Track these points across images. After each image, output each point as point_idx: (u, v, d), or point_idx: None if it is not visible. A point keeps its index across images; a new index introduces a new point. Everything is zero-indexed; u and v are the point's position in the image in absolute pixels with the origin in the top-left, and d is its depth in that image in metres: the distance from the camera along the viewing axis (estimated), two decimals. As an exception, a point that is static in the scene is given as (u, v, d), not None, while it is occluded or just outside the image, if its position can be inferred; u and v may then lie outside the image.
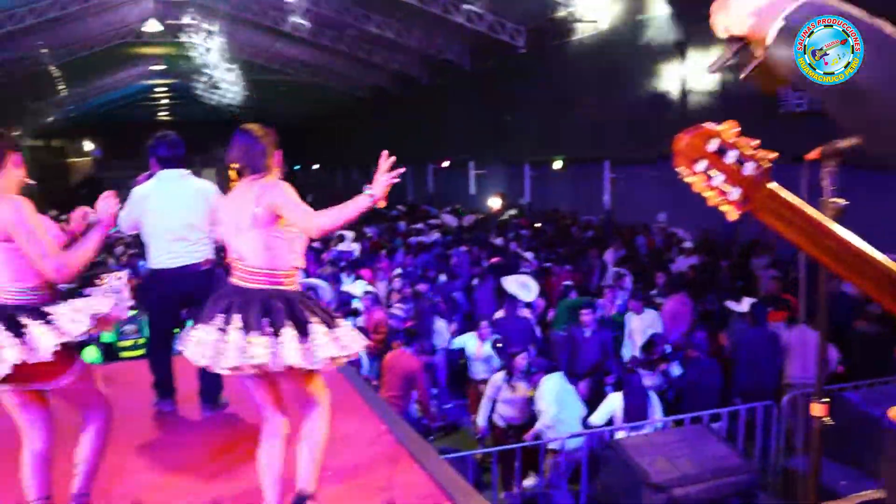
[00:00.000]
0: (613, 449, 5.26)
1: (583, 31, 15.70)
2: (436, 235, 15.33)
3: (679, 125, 1.36)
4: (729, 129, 1.32)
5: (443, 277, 11.16)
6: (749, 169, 1.30)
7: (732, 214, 1.34)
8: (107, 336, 7.32)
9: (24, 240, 2.79)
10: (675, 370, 7.44)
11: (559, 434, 6.30)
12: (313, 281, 9.72)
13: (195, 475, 3.79)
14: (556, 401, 6.43)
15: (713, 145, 1.32)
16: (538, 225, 16.60)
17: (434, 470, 3.63)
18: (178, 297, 4.51)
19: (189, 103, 39.77)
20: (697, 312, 8.78)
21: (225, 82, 31.15)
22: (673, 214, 14.21)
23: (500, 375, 7.02)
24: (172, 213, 4.43)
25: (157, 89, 37.75)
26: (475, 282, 10.74)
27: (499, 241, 14.25)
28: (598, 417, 6.42)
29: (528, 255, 12.25)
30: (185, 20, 23.32)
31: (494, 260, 11.79)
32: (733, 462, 5.19)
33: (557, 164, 18.24)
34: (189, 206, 4.46)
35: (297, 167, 42.13)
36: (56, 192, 37.10)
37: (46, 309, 2.84)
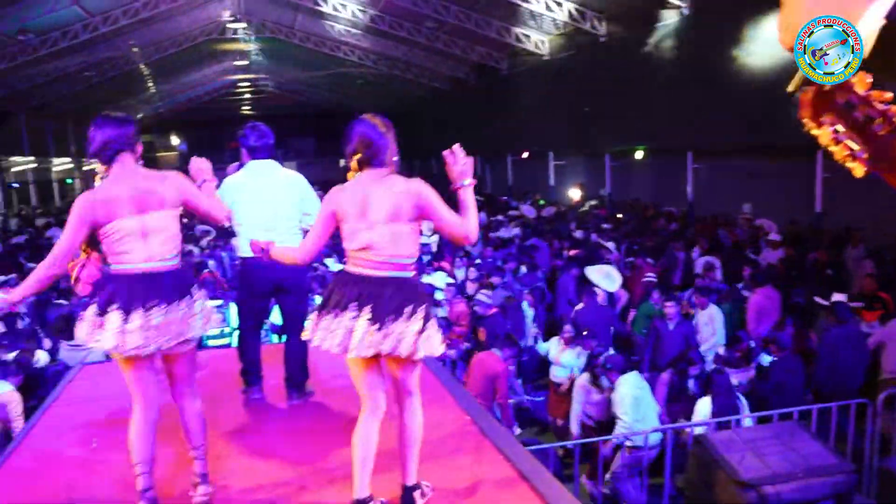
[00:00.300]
0: (701, 444, 5.11)
1: (666, 17, 15.32)
2: (516, 230, 15.21)
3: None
4: (861, 81, 1.23)
5: (523, 269, 11.10)
6: (879, 126, 1.22)
7: (858, 171, 1.25)
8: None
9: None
10: (766, 359, 7.21)
11: (636, 430, 6.22)
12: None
13: (281, 462, 3.83)
14: (633, 405, 6.33)
15: (842, 98, 1.23)
16: (619, 216, 16.33)
17: (518, 462, 3.59)
18: (268, 286, 4.59)
19: (271, 98, 40.55)
20: (786, 307, 8.51)
21: (305, 76, 31.63)
22: (758, 205, 13.78)
23: (586, 378, 6.94)
24: (263, 203, 4.48)
25: (240, 85, 38.60)
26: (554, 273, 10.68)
27: (578, 232, 14.09)
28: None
29: (610, 244, 12.06)
30: (267, 16, 23.74)
31: (574, 252, 11.68)
32: (828, 461, 4.98)
33: (639, 155, 17.91)
34: (279, 198, 4.51)
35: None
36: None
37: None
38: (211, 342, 7.52)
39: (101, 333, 2.99)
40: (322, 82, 32.89)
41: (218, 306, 7.50)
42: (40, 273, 3.12)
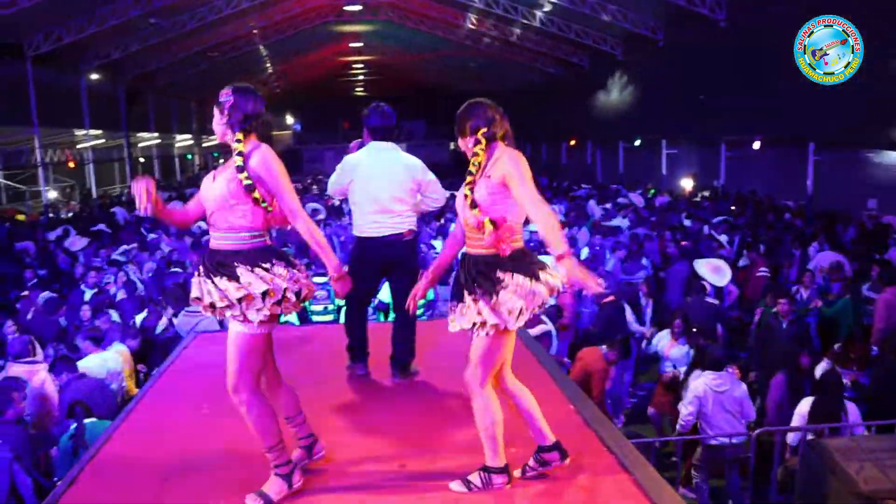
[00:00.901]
0: (814, 450, 4.85)
1: (787, 1, 14.63)
2: (626, 220, 14.91)
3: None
4: None
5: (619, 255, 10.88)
6: None
7: None
8: (302, 300, 7.71)
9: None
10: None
11: (716, 430, 6.10)
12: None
13: (382, 439, 3.86)
14: (695, 401, 6.16)
15: None
16: (733, 208, 15.79)
17: (621, 454, 3.52)
18: (379, 264, 4.65)
19: (383, 80, 41.09)
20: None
21: (417, 59, 31.86)
22: (884, 202, 13.05)
23: (698, 374, 6.75)
24: (380, 184, 4.51)
25: (353, 66, 39.27)
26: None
27: (690, 223, 13.69)
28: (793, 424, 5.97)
29: (723, 238, 11.65)
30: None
31: (684, 244, 11.37)
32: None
33: (756, 145, 17.22)
34: (396, 180, 4.53)
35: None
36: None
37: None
38: (316, 318, 7.67)
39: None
40: (434, 65, 33.10)
41: (322, 283, 7.68)
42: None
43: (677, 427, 6.40)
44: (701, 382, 6.21)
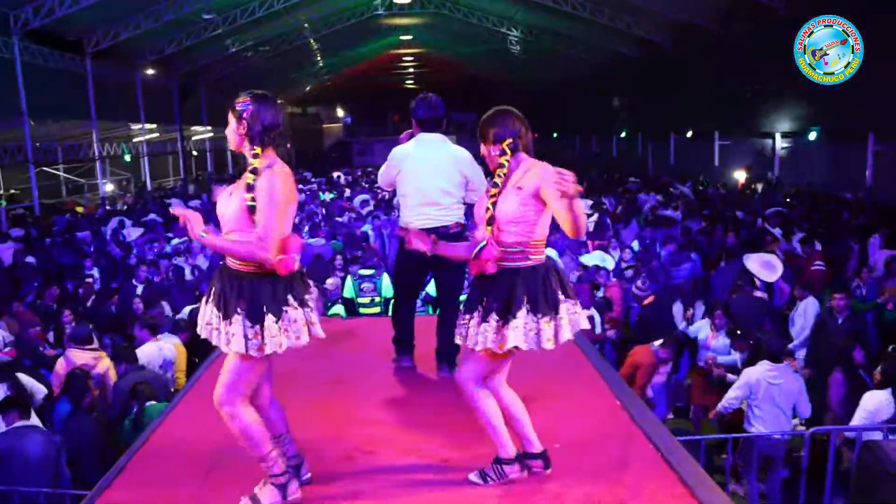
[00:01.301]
0: (871, 452, 4.64)
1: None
2: (677, 212, 14.69)
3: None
4: None
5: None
6: None
7: None
8: (348, 291, 7.78)
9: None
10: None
11: (769, 427, 5.92)
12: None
13: (425, 433, 3.85)
14: (745, 387, 6.03)
15: None
16: (788, 200, 15.43)
17: (668, 452, 3.47)
18: (426, 258, 4.63)
19: (433, 72, 41.09)
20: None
21: (467, 51, 31.80)
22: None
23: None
24: (427, 177, 4.48)
25: (403, 59, 39.34)
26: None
27: (743, 216, 13.42)
28: (855, 419, 5.70)
29: (777, 231, 11.40)
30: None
31: (736, 237, 11.16)
32: None
33: (812, 136, 16.80)
34: (444, 172, 4.50)
35: (535, 135, 42.15)
36: (310, 155, 40.11)
37: None
38: (363, 310, 7.72)
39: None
40: (483, 57, 32.97)
41: (369, 276, 7.74)
42: (244, 249, 2.96)
43: (717, 408, 6.29)
44: (756, 371, 6.05)
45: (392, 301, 5.14)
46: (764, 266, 8.77)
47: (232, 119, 3.08)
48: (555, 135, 39.10)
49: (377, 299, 7.66)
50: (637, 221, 13.49)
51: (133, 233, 14.25)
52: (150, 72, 23.95)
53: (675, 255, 10.32)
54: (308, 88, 39.15)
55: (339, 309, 7.88)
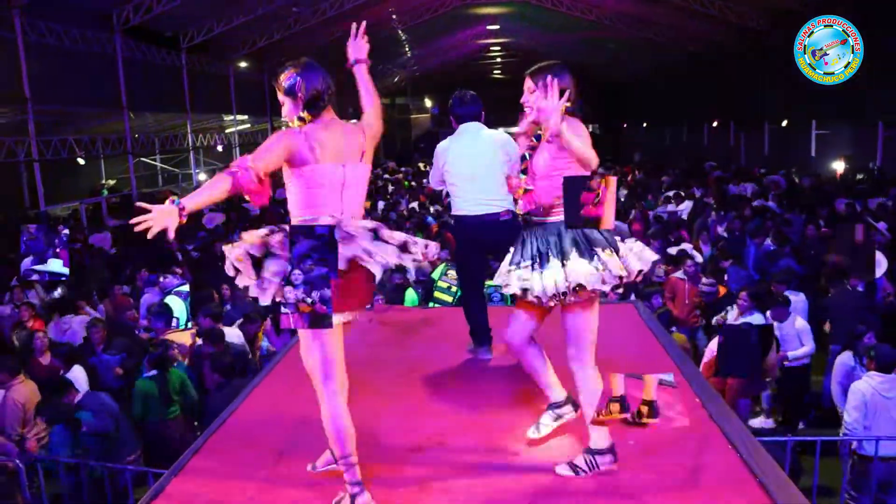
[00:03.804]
0: None
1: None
2: (771, 203, 14.19)
3: None
4: None
5: (768, 242, 10.34)
6: None
7: None
8: (436, 273, 7.77)
9: None
10: None
11: (886, 446, 5.40)
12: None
13: (497, 424, 3.82)
14: (861, 406, 5.59)
15: None
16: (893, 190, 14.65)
17: (747, 454, 3.33)
18: (481, 244, 4.64)
19: (521, 62, 40.78)
20: None
21: (555, 40, 31.44)
22: None
23: (848, 357, 6.30)
24: (470, 161, 4.57)
25: (491, 49, 39.20)
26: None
27: (842, 208, 12.81)
28: None
29: (881, 225, 10.81)
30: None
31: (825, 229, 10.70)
32: None
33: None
34: (486, 155, 4.55)
35: (624, 125, 41.52)
36: (398, 145, 40.51)
37: None
38: (437, 294, 7.72)
39: None
40: (573, 46, 32.52)
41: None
42: None
43: (841, 433, 5.81)
44: (865, 384, 5.65)
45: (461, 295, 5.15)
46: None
47: (287, 100, 3.08)
48: (644, 125, 38.32)
49: (454, 289, 7.65)
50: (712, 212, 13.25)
51: (216, 219, 15.55)
52: (243, 65, 24.56)
53: (772, 253, 9.94)
54: (397, 79, 39.43)
55: (412, 295, 7.93)
